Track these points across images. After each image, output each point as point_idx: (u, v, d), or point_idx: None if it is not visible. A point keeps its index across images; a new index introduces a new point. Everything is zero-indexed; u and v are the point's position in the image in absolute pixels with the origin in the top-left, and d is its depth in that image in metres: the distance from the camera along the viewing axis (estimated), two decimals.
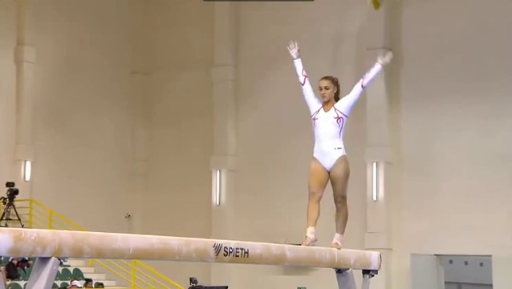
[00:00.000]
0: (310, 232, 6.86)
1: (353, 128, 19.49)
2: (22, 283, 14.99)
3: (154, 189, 21.91)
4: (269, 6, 20.50)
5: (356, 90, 6.94)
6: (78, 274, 17.68)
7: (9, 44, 19.51)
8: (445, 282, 19.05)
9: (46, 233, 4.60)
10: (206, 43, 21.15)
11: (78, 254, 4.88)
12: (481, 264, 22.08)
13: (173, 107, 21.85)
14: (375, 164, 18.67)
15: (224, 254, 5.67)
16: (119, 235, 5.20)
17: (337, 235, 7.00)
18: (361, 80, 6.94)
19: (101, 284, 17.16)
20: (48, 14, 19.99)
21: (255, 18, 20.85)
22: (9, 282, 15.04)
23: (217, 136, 20.99)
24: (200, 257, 5.79)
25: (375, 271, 7.13)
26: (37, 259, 4.51)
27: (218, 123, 20.94)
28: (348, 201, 20.82)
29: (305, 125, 20.69)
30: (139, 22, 22.16)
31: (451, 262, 20.32)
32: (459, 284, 24.86)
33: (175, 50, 21.91)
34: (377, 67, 6.87)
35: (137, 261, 17.10)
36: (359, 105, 21.56)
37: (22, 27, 19.63)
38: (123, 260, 16.87)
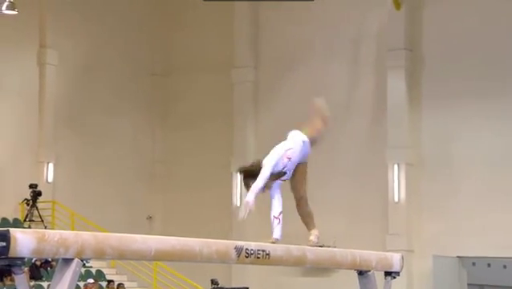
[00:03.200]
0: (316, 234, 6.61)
1: (373, 129, 19.53)
2: (45, 284, 15.10)
3: (174, 191, 21.96)
4: (288, 7, 20.48)
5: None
6: (100, 275, 17.78)
7: (32, 47, 19.69)
8: (468, 285, 18.85)
9: (68, 234, 4.63)
10: (226, 45, 21.17)
11: (100, 255, 4.90)
12: (505, 266, 21.81)
13: (193, 108, 21.89)
14: (396, 166, 18.58)
15: (245, 255, 5.66)
16: (141, 237, 5.22)
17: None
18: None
19: (122, 285, 17.22)
20: (70, 17, 20.14)
21: (274, 19, 20.83)
22: (32, 283, 15.15)
23: (236, 137, 21.00)
24: (221, 258, 5.78)
25: (397, 273, 7.05)
26: (60, 260, 4.54)
27: (238, 124, 20.95)
28: (369, 203, 21.12)
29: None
30: (158, 24, 22.25)
31: (474, 264, 20.11)
32: (482, 286, 24.59)
33: (194, 51, 21.95)
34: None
35: (158, 262, 17.17)
36: (379, 107, 21.58)
37: (44, 30, 19.79)
38: (144, 261, 16.94)
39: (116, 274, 18.53)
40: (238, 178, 20.71)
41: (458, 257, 18.25)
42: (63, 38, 19.93)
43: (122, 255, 5.07)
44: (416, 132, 18.77)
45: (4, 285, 15.01)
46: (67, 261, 4.54)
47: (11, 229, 4.15)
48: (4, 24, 18.14)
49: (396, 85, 18.82)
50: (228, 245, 5.77)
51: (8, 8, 17.44)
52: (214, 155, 21.34)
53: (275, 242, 5.91)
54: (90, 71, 20.72)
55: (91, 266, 17.60)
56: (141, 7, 21.86)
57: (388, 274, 7.03)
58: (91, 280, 16.35)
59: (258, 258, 5.68)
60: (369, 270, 6.79)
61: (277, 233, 6.02)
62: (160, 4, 22.30)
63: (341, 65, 19.92)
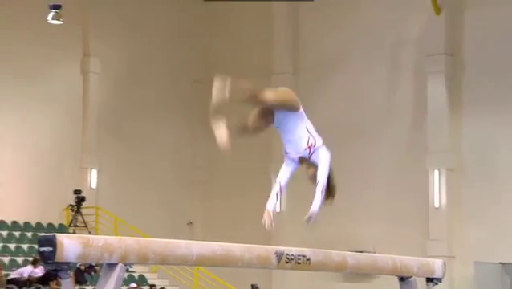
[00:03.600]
0: None
1: (413, 135, 19.34)
2: (89, 288, 15.29)
3: (214, 197, 22.05)
4: (327, 13, 20.44)
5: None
6: (142, 279, 17.93)
7: (76, 56, 20.00)
8: None
9: (112, 239, 4.68)
10: (265, 51, 21.22)
11: (143, 260, 4.95)
12: None
13: None
14: (436, 171, 18.37)
15: (286, 261, 5.65)
16: (183, 242, 5.25)
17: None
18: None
19: None
20: (112, 26, 20.41)
21: (314, 25, 20.81)
22: (77, 287, 15.35)
23: (275, 143, 20.95)
24: (261, 264, 5.79)
25: (439, 279, 6.97)
26: (104, 265, 4.60)
27: (276, 131, 20.87)
28: (410, 208, 20.99)
29: (362, 132, 20.66)
30: (199, 31, 22.40)
31: None
32: None
33: (234, 58, 22.04)
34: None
35: (199, 267, 17.25)
36: (419, 112, 21.38)
37: (87, 39, 20.10)
38: (185, 266, 17.03)
39: (158, 278, 18.67)
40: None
41: (501, 263, 17.91)
42: (106, 47, 20.20)
43: (164, 260, 5.11)
44: (456, 137, 18.54)
45: None
46: (111, 266, 4.60)
47: (57, 235, 4.22)
48: (49, 34, 18.47)
49: (437, 90, 18.62)
50: (268, 250, 5.78)
51: (53, 18, 17.77)
52: (253, 161, 21.37)
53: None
54: (132, 78, 20.95)
55: (133, 271, 17.76)
56: (182, 16, 22.04)
57: (429, 280, 6.94)
58: (133, 285, 16.52)
59: (299, 263, 5.66)
60: (410, 276, 6.71)
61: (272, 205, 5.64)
62: (200, 12, 22.45)
63: (381, 70, 19.79)
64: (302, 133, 5.53)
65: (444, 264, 7.06)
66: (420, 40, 19.11)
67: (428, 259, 7.58)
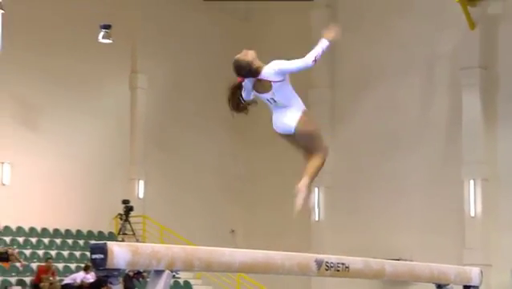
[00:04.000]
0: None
1: (449, 146, 19.08)
2: None
3: (255, 205, 22.05)
4: (363, 30, 20.36)
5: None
6: (187, 286, 17.99)
7: (124, 72, 20.28)
8: None
9: (160, 247, 4.72)
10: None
11: (189, 267, 4.97)
12: None
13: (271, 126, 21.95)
14: (472, 181, 18.10)
15: (325, 268, 5.61)
16: (227, 250, 5.27)
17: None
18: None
19: None
20: (158, 44, 20.65)
21: (350, 41, 20.74)
22: None
23: None
24: (302, 271, 5.76)
25: (476, 287, 6.84)
26: (152, 272, 4.63)
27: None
28: (446, 218, 20.60)
29: (399, 144, 20.39)
30: (239, 47, 22.44)
31: None
32: None
33: None
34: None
35: (241, 274, 17.24)
36: (454, 124, 20.98)
37: (135, 57, 20.38)
38: (228, 273, 17.05)
39: (202, 284, 18.71)
40: (317, 193, 20.66)
41: None
42: (152, 64, 20.44)
43: (209, 267, 5.13)
44: (491, 148, 18.25)
45: None
46: (159, 272, 4.63)
47: (108, 243, 4.27)
48: (100, 52, 18.77)
49: (471, 103, 18.38)
50: (309, 258, 5.75)
51: (104, 37, 18.08)
52: (293, 171, 21.26)
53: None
54: (176, 93, 21.14)
55: (179, 277, 17.84)
56: (223, 33, 22.18)
57: (466, 288, 6.83)
58: None
59: (338, 270, 5.62)
60: (448, 284, 6.61)
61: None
62: (240, 29, 22.56)
63: (416, 84, 19.62)
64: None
65: (482, 272, 6.93)
66: (454, 54, 18.90)
67: (465, 267, 7.45)
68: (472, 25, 18.14)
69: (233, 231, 21.87)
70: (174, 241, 17.21)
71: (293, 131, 5.41)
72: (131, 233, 18.80)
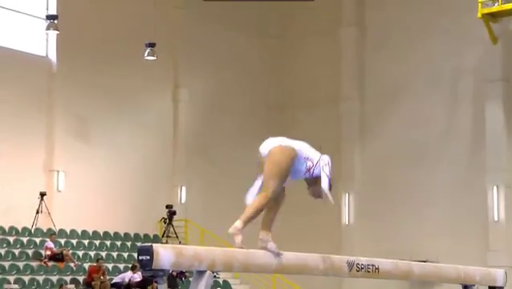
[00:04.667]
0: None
1: (473, 156, 18.79)
2: None
3: (289, 212, 21.91)
4: (391, 46, 20.25)
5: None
6: (226, 285, 17.99)
7: (167, 87, 20.47)
8: None
9: (201, 250, 4.73)
10: (334, 81, 21.16)
11: (228, 268, 4.97)
12: None
13: (304, 138, 21.92)
14: (495, 188, 17.83)
15: (356, 269, 5.57)
16: (264, 252, 5.26)
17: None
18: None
19: None
20: (199, 60, 20.80)
21: (378, 56, 20.63)
22: None
23: (344, 164, 20.88)
24: (334, 272, 5.72)
25: (502, 288, 6.72)
26: (194, 272, 4.64)
27: (345, 152, 20.83)
28: (470, 222, 20.15)
29: (425, 154, 20.10)
30: (275, 64, 22.51)
31: None
32: None
33: (306, 87, 22.07)
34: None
35: (277, 274, 17.16)
36: (478, 135, 20.67)
37: (177, 72, 20.56)
38: (264, 273, 17.00)
39: (240, 284, 18.70)
40: (347, 200, 20.53)
41: None
42: (194, 79, 20.60)
43: (247, 268, 5.12)
44: None
45: None
46: (201, 273, 4.64)
47: (154, 245, 4.29)
48: (145, 68, 18.98)
49: (494, 114, 18.13)
50: (341, 260, 5.71)
51: (149, 54, 18.27)
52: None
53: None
54: (215, 107, 21.24)
55: (218, 277, 17.85)
56: (260, 51, 22.22)
57: (492, 288, 6.70)
58: None
59: (368, 272, 5.56)
60: (473, 285, 6.50)
61: None
62: (276, 47, 22.56)
63: (441, 97, 19.42)
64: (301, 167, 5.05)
65: (506, 273, 6.80)
66: (478, 68, 18.65)
67: (490, 269, 7.31)
68: (494, 40, 17.89)
69: None
70: (214, 243, 17.24)
71: (263, 154, 5.02)
72: (174, 235, 18.90)
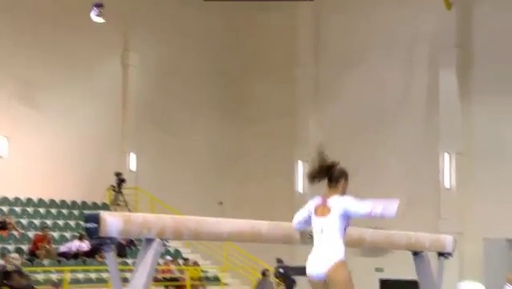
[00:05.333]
0: None
1: (426, 120, 19.17)
2: (129, 261, 15.44)
3: (243, 179, 22.11)
4: (347, 12, 20.35)
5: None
6: (177, 254, 18.06)
7: (117, 51, 20.12)
8: None
9: (151, 217, 4.73)
10: (290, 47, 21.21)
11: (178, 236, 4.99)
12: None
13: (260, 104, 22.00)
14: (447, 155, 18.27)
15: (308, 237, 5.66)
16: (215, 220, 5.29)
17: None
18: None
19: (197, 263, 17.48)
20: (150, 24, 20.47)
21: (335, 22, 20.71)
22: (118, 260, 15.50)
23: (299, 130, 21.02)
24: (286, 239, 5.81)
25: (450, 254, 6.93)
26: (143, 240, 4.64)
27: (300, 117, 20.98)
28: (421, 189, 20.62)
29: (380, 120, 20.42)
30: (231, 29, 22.35)
31: None
32: None
33: (261, 54, 22.05)
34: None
35: (229, 243, 17.32)
36: (432, 101, 21.14)
37: (127, 36, 20.21)
38: (216, 242, 17.12)
39: (191, 252, 18.79)
40: (300, 167, 20.75)
41: (507, 239, 17.78)
42: (145, 43, 20.29)
43: (198, 236, 5.15)
44: (466, 124, 18.39)
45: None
46: (150, 241, 4.65)
47: (101, 212, 4.27)
48: (93, 30, 18.58)
49: (448, 81, 18.49)
50: (292, 227, 5.78)
51: (96, 15, 17.86)
52: (279, 146, 21.41)
53: None
54: (168, 72, 21.01)
55: (169, 246, 17.88)
56: (215, 16, 21.98)
57: (440, 254, 6.92)
58: (169, 258, 16.65)
59: None
60: (423, 251, 6.70)
61: None
62: (232, 12, 22.34)
63: (397, 63, 19.66)
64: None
65: (455, 240, 7.02)
66: (432, 34, 18.92)
67: (440, 235, 7.53)
68: (449, 6, 18.14)
69: (221, 203, 21.94)
70: (165, 212, 17.22)
71: (323, 277, 4.98)
72: (123, 204, 18.80)
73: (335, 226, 5.06)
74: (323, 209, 5.13)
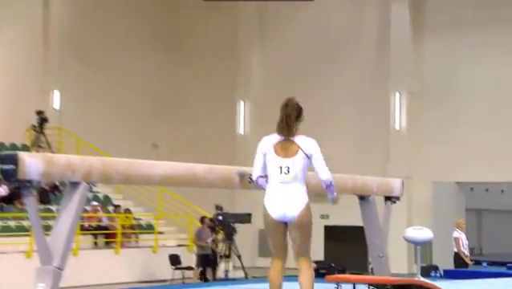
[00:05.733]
0: None
1: (376, 58, 19.38)
2: (53, 208, 15.30)
3: (181, 120, 22.00)
4: None
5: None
6: (107, 200, 17.99)
7: None
8: (466, 209, 19.15)
9: (76, 158, 4.67)
10: None
11: (106, 179, 4.96)
12: (502, 191, 22.09)
13: (200, 43, 21.74)
14: (397, 94, 18.60)
15: (248, 180, 5.71)
16: (147, 162, 5.27)
17: None
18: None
19: (129, 210, 17.45)
20: None
21: None
22: (41, 206, 15.34)
23: (241, 70, 20.96)
24: (224, 184, 5.86)
25: (398, 198, 7.13)
26: (68, 184, 4.59)
27: (242, 56, 20.89)
28: (371, 131, 20.96)
29: (329, 57, 20.51)
30: None
31: (472, 189, 20.32)
32: (479, 211, 24.97)
33: None
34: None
35: (164, 188, 17.33)
36: (382, 36, 21.28)
37: None
38: (150, 187, 17.10)
39: (123, 199, 18.75)
40: (242, 108, 20.80)
41: (457, 182, 18.49)
42: None
43: (128, 180, 5.13)
44: (418, 61, 18.69)
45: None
46: (75, 184, 4.60)
47: (20, 153, 4.19)
48: None
49: (400, 16, 18.67)
50: (231, 170, 5.83)
51: None
52: (220, 86, 21.32)
53: None
54: (96, 2, 20.44)
55: (98, 192, 17.79)
56: None
57: (388, 198, 7.10)
58: (95, 203, 16.53)
59: None
60: (369, 195, 6.86)
61: None
62: None
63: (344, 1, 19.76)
64: None
65: (403, 183, 7.22)
66: None
67: (388, 179, 7.74)
68: None
69: (156, 146, 21.84)
70: (91, 154, 17.02)
71: (291, 220, 5.08)
72: (45, 145, 18.47)
73: (303, 167, 5.14)
74: (286, 149, 5.12)
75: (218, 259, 15.33)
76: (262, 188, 5.21)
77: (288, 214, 5.05)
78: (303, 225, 5.10)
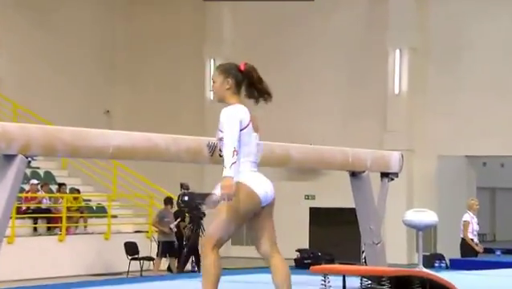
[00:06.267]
0: None
1: (373, 9, 19.35)
2: None
3: (138, 82, 21.91)
4: None
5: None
6: (49, 177, 17.94)
7: None
8: (477, 188, 19.22)
9: (12, 127, 4.62)
10: None
11: (49, 151, 4.91)
12: None
13: None
14: (397, 51, 18.58)
15: (219, 154, 5.66)
16: (98, 131, 5.22)
17: None
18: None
19: (77, 190, 17.39)
20: None
21: None
22: None
23: (209, 22, 20.85)
24: (191, 157, 5.81)
25: (396, 174, 7.13)
26: (1, 157, 4.55)
27: (212, 7, 20.77)
28: (364, 96, 21.11)
29: (308, 11, 20.45)
30: None
31: (484, 164, 20.46)
32: (493, 189, 25.19)
33: None
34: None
35: (119, 163, 17.32)
36: None
37: None
38: (102, 162, 17.08)
39: (69, 176, 18.73)
40: (212, 68, 20.73)
41: (467, 156, 18.55)
42: None
43: (76, 152, 5.08)
44: (421, 12, 18.66)
45: None
46: (10, 157, 4.55)
47: None
48: None
49: None
50: (200, 142, 5.78)
51: None
52: (184, 41, 21.23)
53: None
54: None
55: (38, 167, 17.73)
56: None
57: (385, 175, 7.10)
58: (35, 181, 16.45)
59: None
60: (363, 171, 6.85)
61: None
62: None
63: None
64: None
65: (402, 157, 7.21)
66: None
67: (384, 152, 7.75)
68: None
69: (108, 112, 21.79)
70: (32, 122, 16.95)
71: (269, 203, 5.15)
72: None
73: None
74: (256, 123, 5.19)
75: (184, 248, 15.36)
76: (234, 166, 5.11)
77: (269, 195, 5.09)
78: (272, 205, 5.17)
